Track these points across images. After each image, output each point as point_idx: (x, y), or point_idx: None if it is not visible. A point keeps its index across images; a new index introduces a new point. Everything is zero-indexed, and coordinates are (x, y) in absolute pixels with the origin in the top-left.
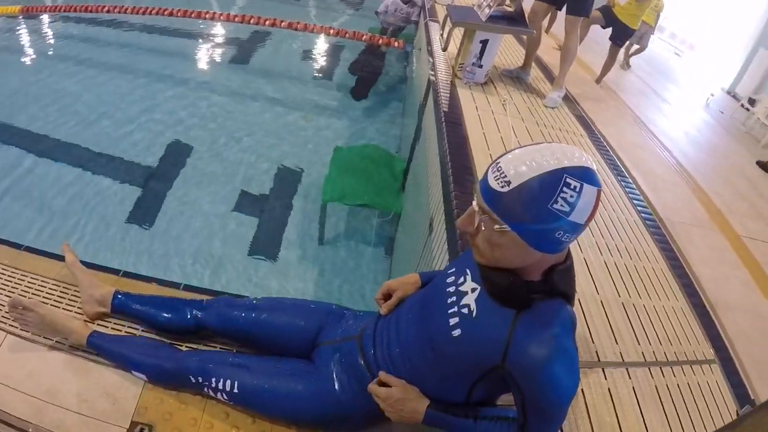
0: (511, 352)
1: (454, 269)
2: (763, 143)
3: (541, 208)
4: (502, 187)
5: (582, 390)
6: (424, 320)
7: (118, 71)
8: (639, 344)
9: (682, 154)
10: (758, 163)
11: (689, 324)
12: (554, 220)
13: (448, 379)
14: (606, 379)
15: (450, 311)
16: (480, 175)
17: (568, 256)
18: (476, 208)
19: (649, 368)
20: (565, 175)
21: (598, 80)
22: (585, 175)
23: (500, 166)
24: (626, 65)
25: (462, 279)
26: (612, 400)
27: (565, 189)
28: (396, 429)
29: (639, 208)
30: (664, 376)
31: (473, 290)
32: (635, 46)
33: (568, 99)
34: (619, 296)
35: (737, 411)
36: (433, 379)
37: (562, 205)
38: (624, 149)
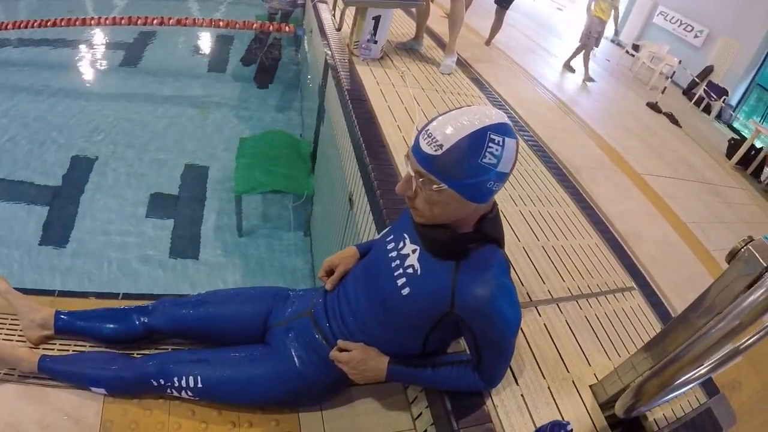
0: (458, 298)
1: (392, 236)
2: (651, 85)
3: (472, 164)
4: (436, 150)
5: (522, 329)
6: (372, 287)
7: (2, 92)
8: (564, 281)
9: (575, 105)
10: (648, 104)
11: (605, 257)
12: (485, 172)
13: (403, 334)
14: (540, 316)
15: (396, 273)
16: (393, 145)
17: (494, 205)
18: (412, 173)
19: (576, 301)
20: (488, 132)
21: (488, 42)
22: (504, 130)
23: (430, 132)
24: (589, 78)
25: (402, 243)
26: (549, 334)
27: (490, 144)
28: (356, 395)
29: (544, 159)
30: (591, 307)
31: (414, 251)
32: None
33: (462, 64)
34: (538, 240)
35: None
36: (389, 338)
37: (489, 159)
38: (521, 105)
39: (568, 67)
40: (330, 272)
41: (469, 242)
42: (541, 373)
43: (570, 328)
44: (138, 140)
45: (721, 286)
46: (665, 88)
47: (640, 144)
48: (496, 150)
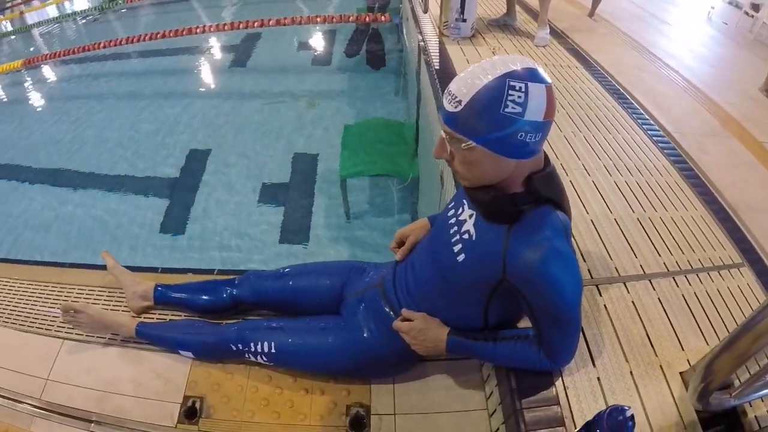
0: (509, 263)
1: (453, 203)
2: None
3: (494, 116)
4: (456, 107)
5: (605, 305)
6: (433, 255)
7: (125, 99)
8: (660, 256)
9: (688, 71)
10: None
11: (711, 230)
12: (511, 123)
13: (462, 304)
14: (629, 292)
15: (453, 240)
16: None
17: (547, 163)
18: (444, 135)
19: (673, 278)
20: (507, 79)
21: (591, 14)
22: (528, 75)
23: (450, 90)
24: None
25: (460, 210)
26: (638, 313)
27: (510, 92)
28: (430, 371)
29: (645, 126)
30: (690, 284)
31: (470, 216)
32: None
33: (559, 35)
34: (633, 212)
35: None
36: (450, 308)
37: (513, 108)
38: (622, 73)
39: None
40: (401, 243)
41: (521, 203)
42: (624, 355)
43: (663, 306)
44: (249, 133)
45: None
46: None
47: (763, 110)
48: (519, 97)
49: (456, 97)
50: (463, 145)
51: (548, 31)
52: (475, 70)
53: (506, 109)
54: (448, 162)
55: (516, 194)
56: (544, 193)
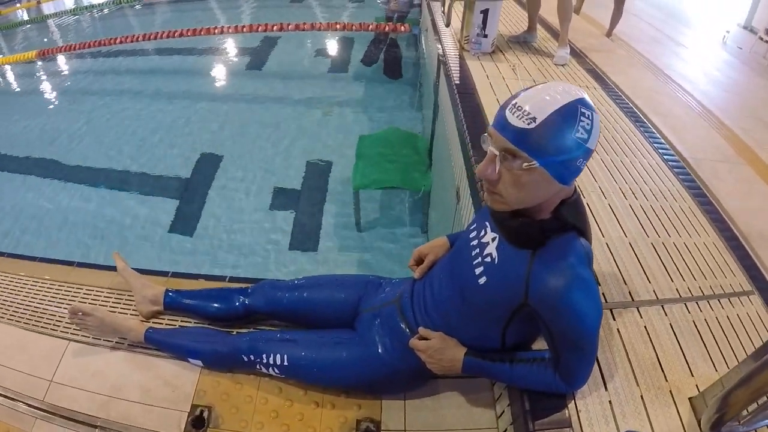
0: (532, 288)
1: (475, 225)
2: None
3: (566, 139)
4: (528, 123)
5: (618, 330)
6: (454, 275)
7: (138, 97)
8: (672, 281)
9: (703, 95)
10: None
11: (722, 257)
12: (576, 148)
13: (481, 325)
14: (641, 317)
15: (475, 262)
16: None
17: (575, 190)
18: (496, 152)
19: (685, 304)
20: (579, 105)
21: (608, 33)
22: (589, 104)
23: (519, 105)
24: None
25: (483, 232)
26: (650, 337)
27: (582, 118)
28: (442, 388)
29: (661, 150)
30: (701, 311)
31: (493, 239)
32: None
33: (578, 54)
34: (648, 237)
35: None
36: (468, 329)
37: (582, 134)
38: (639, 96)
39: None
40: (420, 261)
41: (548, 230)
42: (635, 379)
43: (674, 332)
44: (262, 137)
45: None
46: None
47: None
48: (587, 124)
49: (529, 113)
50: (525, 164)
51: (568, 50)
52: (546, 91)
53: (577, 134)
54: (490, 182)
55: (545, 221)
56: (571, 221)
